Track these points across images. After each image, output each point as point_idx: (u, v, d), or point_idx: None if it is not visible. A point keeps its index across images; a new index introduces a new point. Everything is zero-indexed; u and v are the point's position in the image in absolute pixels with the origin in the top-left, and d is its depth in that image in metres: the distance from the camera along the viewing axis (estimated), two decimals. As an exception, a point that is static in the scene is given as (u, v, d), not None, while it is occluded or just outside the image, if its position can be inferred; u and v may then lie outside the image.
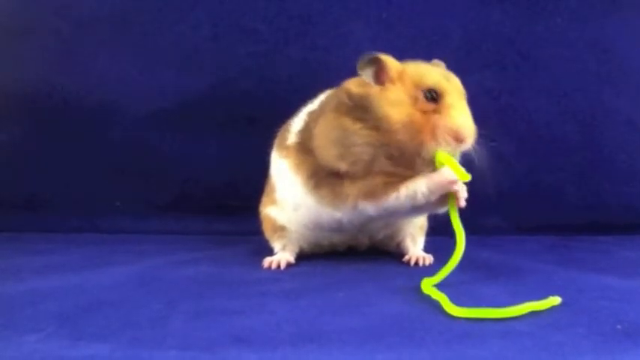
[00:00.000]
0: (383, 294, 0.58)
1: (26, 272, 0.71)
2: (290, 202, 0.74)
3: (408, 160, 0.65)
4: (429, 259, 0.75)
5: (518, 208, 1.01)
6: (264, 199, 0.80)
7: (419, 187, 0.64)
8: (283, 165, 0.74)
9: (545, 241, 0.92)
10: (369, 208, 0.67)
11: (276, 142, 0.78)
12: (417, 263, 0.74)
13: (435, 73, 0.66)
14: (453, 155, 0.64)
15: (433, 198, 0.65)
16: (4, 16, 1.07)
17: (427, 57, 0.72)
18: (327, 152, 0.67)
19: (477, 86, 0.97)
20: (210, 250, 0.87)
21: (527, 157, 1.02)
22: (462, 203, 0.65)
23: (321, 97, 0.75)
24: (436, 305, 0.53)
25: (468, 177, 0.63)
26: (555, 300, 0.52)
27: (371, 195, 0.66)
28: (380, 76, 0.66)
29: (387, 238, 0.79)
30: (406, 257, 0.75)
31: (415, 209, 0.67)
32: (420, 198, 0.64)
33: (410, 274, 0.68)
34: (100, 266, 0.74)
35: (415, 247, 0.77)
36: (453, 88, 0.65)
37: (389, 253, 0.80)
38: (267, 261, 0.74)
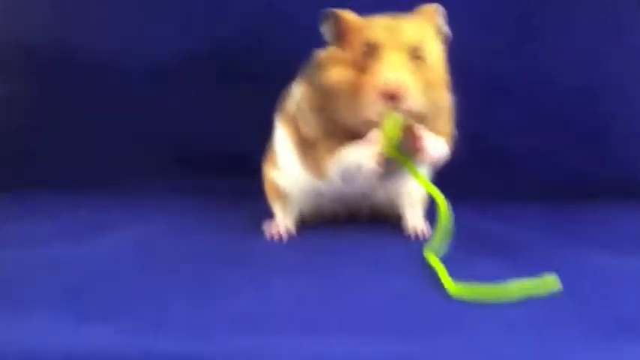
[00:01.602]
0: (383, 274, 0.59)
1: (28, 237, 0.73)
2: (288, 169, 0.75)
3: (353, 127, 0.63)
4: (427, 229, 0.75)
5: (518, 172, 1.01)
6: (268, 159, 0.81)
7: (351, 156, 0.64)
8: (280, 132, 0.75)
9: (546, 208, 0.92)
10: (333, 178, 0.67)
11: (279, 105, 0.78)
12: (417, 236, 0.75)
13: (378, 25, 0.62)
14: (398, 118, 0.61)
15: (373, 166, 0.62)
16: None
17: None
18: (303, 121, 0.69)
19: (477, 46, 0.96)
20: (211, 214, 0.87)
21: (528, 120, 1.01)
22: (425, 158, 0.64)
23: None
24: (434, 286, 0.54)
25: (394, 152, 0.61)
26: (554, 283, 0.53)
27: (319, 170, 0.67)
28: (338, 34, 0.65)
29: (388, 208, 0.80)
30: (406, 231, 0.76)
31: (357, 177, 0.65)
32: (355, 168, 0.63)
33: (409, 248, 0.69)
34: (102, 230, 0.76)
35: (414, 217, 0.78)
36: (391, 40, 0.61)
37: (391, 223, 0.80)
38: (267, 229, 0.76)
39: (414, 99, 0.61)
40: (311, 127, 0.68)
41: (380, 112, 0.60)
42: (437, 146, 0.66)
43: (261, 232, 0.76)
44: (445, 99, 0.68)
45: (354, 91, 0.61)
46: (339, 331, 0.45)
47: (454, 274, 0.55)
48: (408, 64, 0.61)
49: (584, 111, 1.00)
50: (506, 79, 0.99)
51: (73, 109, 1.06)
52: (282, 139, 0.75)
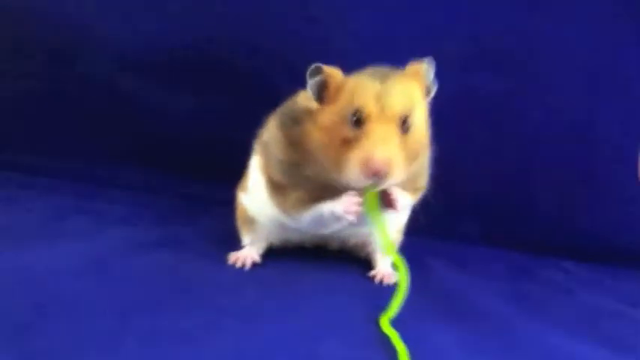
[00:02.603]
0: (339, 327, 0.59)
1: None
2: (258, 197, 0.74)
3: (327, 185, 0.64)
4: (395, 277, 0.75)
5: (491, 218, 1.02)
6: (242, 183, 0.80)
7: (323, 208, 0.65)
8: (256, 160, 0.75)
9: (513, 261, 0.94)
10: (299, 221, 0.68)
11: (259, 131, 0.77)
12: (382, 281, 0.74)
13: (367, 91, 0.60)
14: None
15: (344, 223, 0.65)
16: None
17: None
18: (270, 165, 0.69)
19: (469, 86, 0.95)
20: (177, 226, 0.86)
21: (510, 164, 1.01)
22: (397, 208, 0.64)
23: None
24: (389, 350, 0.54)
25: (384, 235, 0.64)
26: None
27: (293, 213, 0.68)
28: (322, 91, 0.64)
29: (357, 247, 0.80)
30: (372, 272, 0.76)
31: (336, 225, 0.68)
32: (327, 219, 0.66)
33: (375, 293, 0.69)
34: (57, 234, 0.74)
35: (384, 263, 0.78)
36: (379, 111, 0.59)
37: (359, 260, 0.81)
38: (232, 257, 0.75)
39: (398, 176, 0.60)
40: (280, 175, 0.68)
41: (363, 186, 0.61)
42: (404, 201, 0.67)
43: (225, 253, 0.75)
44: (425, 161, 0.69)
45: (337, 159, 0.61)
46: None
47: (405, 338, 0.55)
48: (396, 138, 0.60)
49: (565, 170, 1.01)
50: (492, 115, 1.00)
51: (42, 97, 1.03)
52: (255, 167, 0.74)
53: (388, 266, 0.77)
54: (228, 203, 0.82)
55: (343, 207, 0.63)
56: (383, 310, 0.61)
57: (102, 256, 0.69)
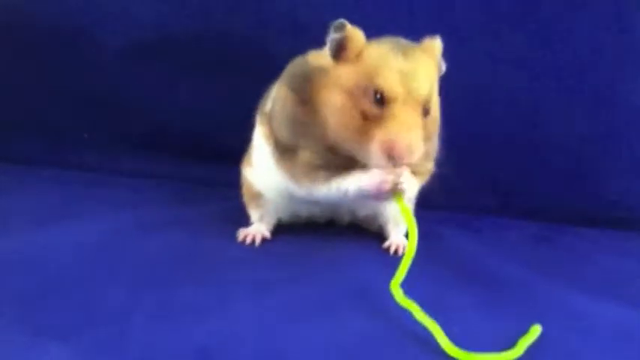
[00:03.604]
0: (355, 297, 0.58)
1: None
2: (264, 169, 0.73)
3: (345, 155, 0.62)
4: (409, 246, 0.75)
5: (509, 189, 1.01)
6: (246, 158, 0.79)
7: (349, 184, 0.63)
8: (259, 131, 0.73)
9: (530, 229, 0.92)
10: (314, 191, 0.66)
11: (260, 103, 0.76)
12: (396, 251, 0.73)
13: (393, 71, 0.59)
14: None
15: (368, 196, 0.63)
16: None
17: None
18: (278, 127, 0.67)
19: (475, 58, 0.94)
20: (185, 207, 0.86)
21: (526, 137, 0.99)
22: (409, 196, 0.63)
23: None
24: (404, 320, 0.53)
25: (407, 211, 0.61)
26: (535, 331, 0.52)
27: (305, 181, 0.65)
28: (340, 48, 0.62)
29: (369, 218, 0.79)
30: (386, 244, 0.75)
31: (359, 200, 0.66)
32: (352, 196, 0.63)
33: (389, 265, 0.67)
34: (67, 217, 0.74)
35: (397, 233, 0.77)
36: (405, 94, 0.59)
37: (371, 232, 0.80)
38: (242, 234, 0.74)
39: (416, 157, 0.60)
40: (288, 134, 0.66)
41: (380, 165, 0.60)
42: (413, 191, 0.66)
43: (234, 231, 0.74)
44: (436, 141, 0.68)
45: (355, 131, 0.60)
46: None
47: (419, 302, 0.53)
48: (420, 123, 0.60)
49: (579, 138, 0.99)
50: (503, 90, 0.98)
51: (42, 84, 1.03)
52: (259, 137, 0.73)
53: (402, 236, 0.76)
54: (233, 185, 0.81)
55: (374, 185, 0.61)
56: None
57: (112, 236, 0.69)
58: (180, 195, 0.94)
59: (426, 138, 0.62)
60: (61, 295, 0.53)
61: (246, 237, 0.73)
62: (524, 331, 0.52)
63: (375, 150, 0.58)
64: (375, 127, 0.58)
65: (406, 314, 0.52)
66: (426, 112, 0.61)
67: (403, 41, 0.63)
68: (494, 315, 0.57)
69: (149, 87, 1.03)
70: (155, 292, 0.55)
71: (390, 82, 0.59)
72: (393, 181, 0.60)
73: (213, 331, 0.49)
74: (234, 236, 0.74)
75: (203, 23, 0.99)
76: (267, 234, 0.75)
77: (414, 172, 0.65)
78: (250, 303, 0.55)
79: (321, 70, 0.63)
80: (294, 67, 0.69)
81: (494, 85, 0.98)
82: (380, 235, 0.78)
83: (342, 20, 0.61)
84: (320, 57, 0.65)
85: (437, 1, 0.95)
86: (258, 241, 0.73)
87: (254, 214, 0.77)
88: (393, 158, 0.58)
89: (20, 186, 0.90)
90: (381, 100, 0.59)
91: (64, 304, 0.51)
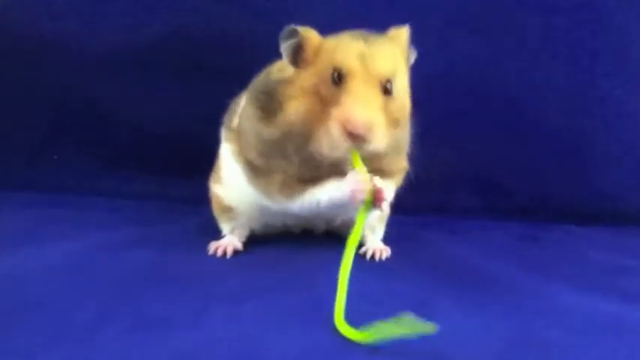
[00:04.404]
0: (329, 304, 0.54)
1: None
2: (235, 187, 0.70)
3: (311, 160, 0.59)
4: (386, 251, 0.72)
5: (492, 189, 0.98)
6: (213, 174, 0.77)
7: (321, 195, 0.60)
8: (227, 148, 0.71)
9: (516, 229, 0.90)
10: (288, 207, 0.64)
11: (225, 117, 0.74)
12: (373, 257, 0.71)
13: (350, 50, 0.57)
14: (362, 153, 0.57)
15: (343, 207, 0.60)
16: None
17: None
18: (247, 148, 0.65)
19: (459, 55, 0.92)
20: (157, 225, 0.83)
21: (506, 134, 0.98)
22: (383, 208, 0.59)
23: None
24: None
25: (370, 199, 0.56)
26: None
27: (280, 197, 0.63)
28: (298, 54, 0.60)
29: (345, 226, 0.75)
30: (362, 249, 0.73)
31: (333, 210, 0.63)
32: (325, 207, 0.61)
33: (365, 270, 0.65)
34: (35, 241, 0.71)
35: (374, 238, 0.75)
36: (362, 70, 0.56)
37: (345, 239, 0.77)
38: (212, 247, 0.71)
39: (381, 141, 0.57)
40: (259, 157, 0.64)
41: (344, 150, 0.57)
42: (389, 194, 0.62)
43: (206, 246, 0.71)
44: (406, 135, 0.65)
45: (316, 123, 0.57)
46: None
47: (414, 311, 0.49)
48: (379, 100, 0.57)
49: (565, 133, 0.97)
50: (485, 88, 0.96)
51: (12, 95, 1.00)
52: (228, 155, 0.70)
53: (379, 241, 0.74)
54: (205, 201, 0.78)
55: (346, 194, 0.58)
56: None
57: (79, 256, 0.66)
58: (153, 213, 0.91)
59: (392, 123, 0.59)
60: (27, 316, 0.50)
61: (217, 249, 0.70)
62: (511, 329, 0.50)
63: (332, 129, 0.56)
64: (333, 108, 0.56)
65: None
66: (386, 90, 0.58)
67: (365, 32, 0.62)
68: (482, 314, 0.54)
69: (122, 100, 1.01)
70: (125, 308, 0.52)
71: (347, 58, 0.57)
72: (369, 190, 0.56)
73: (186, 342, 0.46)
74: (206, 249, 0.71)
75: (178, 30, 0.98)
76: (239, 245, 0.72)
77: (386, 172, 0.63)
78: (223, 314, 0.52)
79: (283, 82, 0.61)
80: (257, 83, 0.67)
81: (475, 82, 0.96)
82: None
83: (291, 26, 0.60)
84: (282, 68, 0.63)
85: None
86: (229, 252, 0.70)
87: (225, 226, 0.74)
88: (351, 135, 0.55)
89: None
90: (338, 78, 0.57)
91: (30, 325, 0.48)
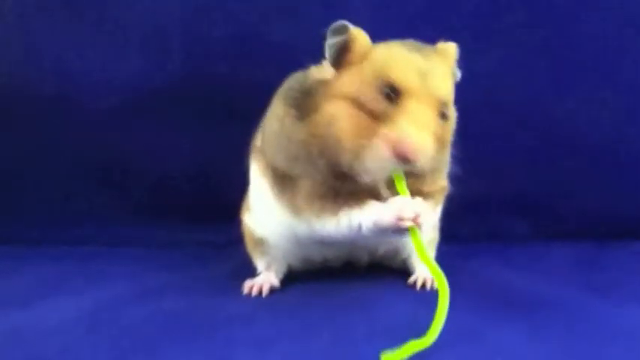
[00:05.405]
0: (379, 336, 0.49)
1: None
2: (263, 210, 0.66)
3: (348, 174, 0.55)
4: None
5: (542, 212, 0.93)
6: (243, 204, 0.73)
7: (363, 218, 0.55)
8: (254, 167, 0.67)
9: (574, 251, 0.84)
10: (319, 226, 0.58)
11: (254, 139, 0.70)
12: (424, 285, 0.66)
13: (408, 64, 0.53)
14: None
15: (385, 232, 0.54)
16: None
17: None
18: (273, 152, 0.61)
19: (489, 73, 0.89)
20: (182, 272, 0.79)
21: (551, 154, 0.92)
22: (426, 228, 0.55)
23: None
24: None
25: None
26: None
27: (309, 213, 0.58)
28: (342, 55, 0.56)
29: (390, 254, 0.71)
30: (412, 278, 0.68)
31: (376, 237, 0.57)
32: (367, 232, 0.55)
33: (416, 302, 0.59)
34: (49, 296, 0.67)
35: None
36: (421, 89, 0.52)
37: (394, 270, 0.72)
38: (247, 286, 0.67)
39: (427, 162, 0.52)
40: (286, 161, 0.59)
41: (389, 171, 0.53)
42: (430, 217, 0.59)
43: (239, 291, 0.67)
44: (448, 155, 0.60)
45: (359, 135, 0.52)
46: None
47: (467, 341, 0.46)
48: (435, 124, 0.53)
49: (606, 149, 0.92)
50: (524, 108, 0.92)
51: (25, 151, 0.99)
52: (255, 175, 0.66)
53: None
54: (237, 245, 0.74)
55: (392, 219, 0.52)
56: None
57: (101, 307, 0.62)
58: (179, 260, 0.87)
59: (440, 147, 0.55)
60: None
61: (252, 288, 0.66)
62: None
63: (380, 147, 0.51)
64: (383, 125, 0.52)
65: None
66: (443, 115, 0.54)
67: (416, 42, 0.58)
68: (538, 338, 0.49)
69: (140, 149, 0.99)
70: (143, 356, 0.48)
71: (405, 73, 0.52)
72: (415, 213, 0.52)
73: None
74: (237, 292, 0.66)
75: (194, 73, 0.96)
76: (276, 282, 0.67)
77: (424, 193, 0.58)
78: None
79: (322, 83, 0.57)
80: (291, 81, 0.63)
81: (510, 94, 0.92)
82: (404, 271, 0.70)
83: (342, 22, 0.56)
84: (321, 70, 0.59)
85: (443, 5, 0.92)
86: (265, 291, 0.65)
87: (260, 263, 0.70)
88: (400, 157, 0.50)
89: (19, 266, 0.85)
90: (393, 93, 0.52)
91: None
